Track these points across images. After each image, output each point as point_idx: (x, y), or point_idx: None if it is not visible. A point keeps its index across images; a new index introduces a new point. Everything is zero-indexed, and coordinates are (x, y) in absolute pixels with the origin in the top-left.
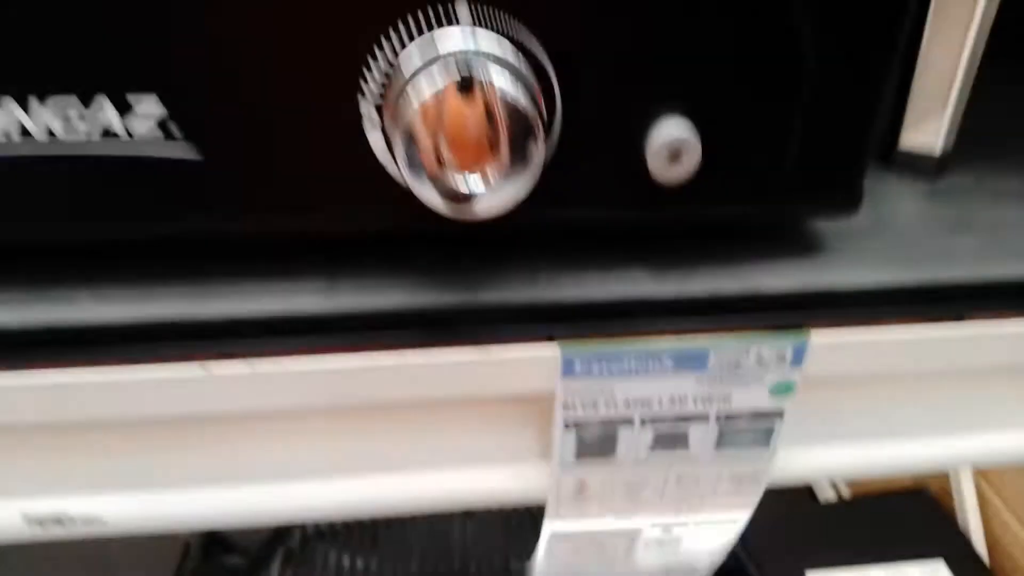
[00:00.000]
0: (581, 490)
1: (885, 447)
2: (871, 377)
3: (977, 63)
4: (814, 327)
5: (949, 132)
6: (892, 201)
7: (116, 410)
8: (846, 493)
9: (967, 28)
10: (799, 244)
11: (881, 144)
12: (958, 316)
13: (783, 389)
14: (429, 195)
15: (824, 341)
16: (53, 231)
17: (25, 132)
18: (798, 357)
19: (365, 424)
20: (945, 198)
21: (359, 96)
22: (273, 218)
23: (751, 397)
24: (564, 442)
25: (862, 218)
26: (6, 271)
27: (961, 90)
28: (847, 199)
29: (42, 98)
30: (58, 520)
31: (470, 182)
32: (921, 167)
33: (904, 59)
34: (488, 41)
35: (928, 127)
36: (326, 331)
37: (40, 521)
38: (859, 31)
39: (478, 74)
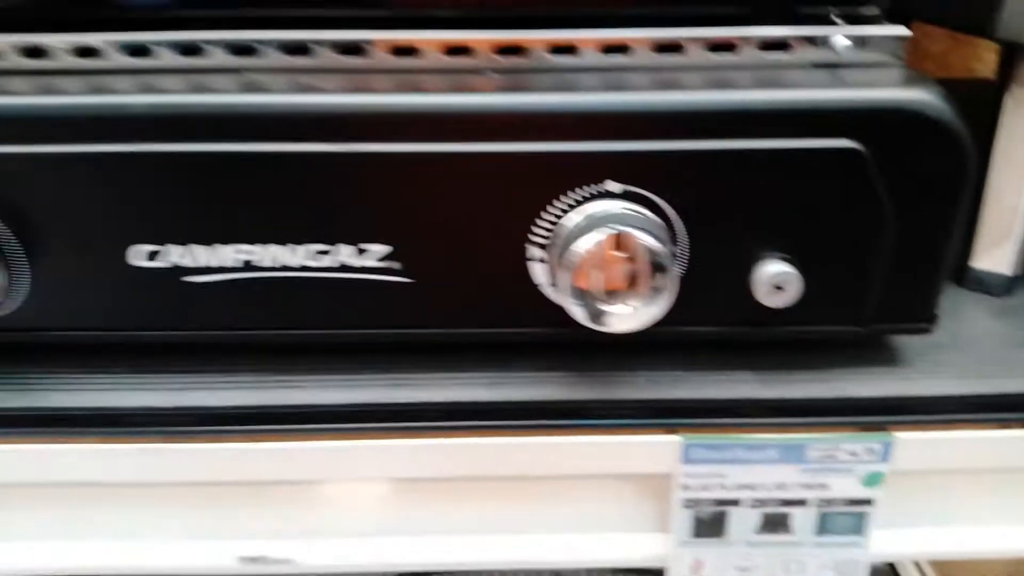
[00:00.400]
0: (696, 569)
1: (966, 531)
2: (953, 470)
3: None
4: (898, 429)
5: (1017, 256)
6: (965, 318)
7: (331, 471)
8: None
9: None
10: (883, 356)
11: (955, 267)
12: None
13: (873, 480)
14: (581, 314)
15: (908, 438)
16: (296, 334)
17: (286, 265)
18: (885, 453)
19: (511, 492)
20: (1013, 315)
21: (528, 239)
22: (457, 325)
23: (845, 486)
24: (681, 520)
25: (938, 333)
26: (250, 363)
27: None
28: (924, 319)
29: (300, 243)
30: (260, 560)
31: (616, 307)
32: (991, 287)
33: (973, 193)
34: (631, 205)
35: (997, 252)
36: (490, 416)
37: (251, 559)
38: (930, 191)
39: (624, 230)
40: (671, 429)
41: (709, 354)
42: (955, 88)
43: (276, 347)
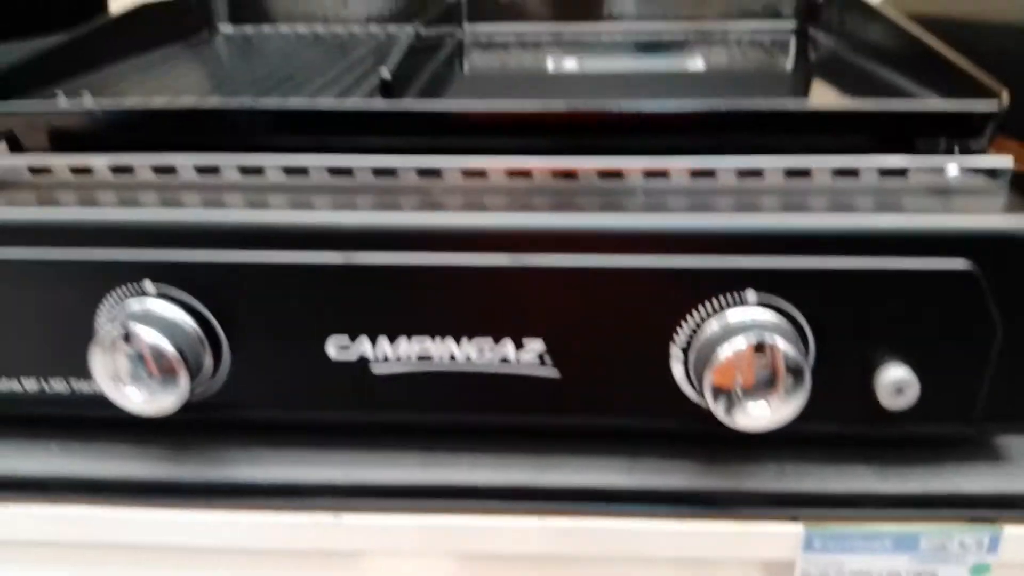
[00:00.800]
0: None
1: None
2: None
3: None
4: (1005, 522)
5: None
6: None
7: (482, 545)
8: None
9: None
10: (991, 453)
11: None
12: None
13: (981, 570)
14: (719, 411)
15: (1015, 532)
16: (459, 418)
17: (453, 356)
18: (993, 545)
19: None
20: None
21: (671, 341)
22: (599, 415)
23: (954, 575)
24: None
25: None
26: (418, 443)
27: None
28: None
29: (470, 338)
30: None
31: (752, 407)
32: None
33: None
34: (768, 314)
35: None
36: (626, 500)
37: None
38: None
39: (764, 338)
40: (794, 519)
41: (830, 449)
42: None
43: (440, 429)
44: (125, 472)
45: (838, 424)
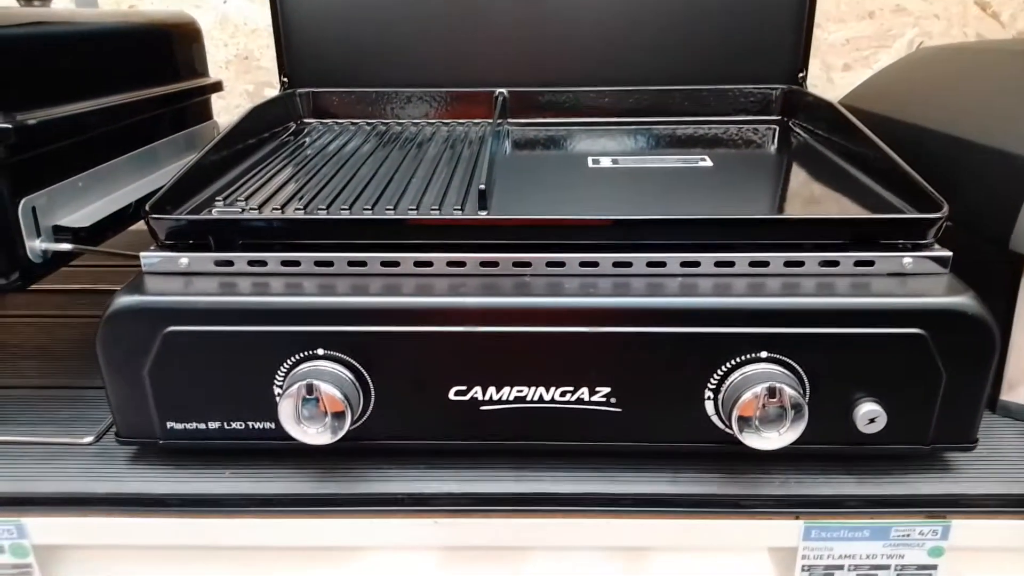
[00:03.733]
0: None
1: None
2: (994, 548)
3: None
4: (953, 517)
5: None
6: (999, 437)
7: (563, 540)
8: None
9: None
10: (941, 465)
11: (989, 399)
12: None
13: (936, 553)
14: (743, 437)
15: (960, 524)
16: (544, 444)
17: (542, 399)
18: (945, 533)
19: (682, 561)
20: None
21: (705, 387)
22: (650, 440)
23: (916, 557)
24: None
25: (980, 450)
26: (514, 462)
27: None
28: (969, 440)
29: (556, 387)
30: None
31: (766, 433)
32: (1016, 414)
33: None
34: (775, 367)
35: (1020, 389)
36: (672, 504)
37: None
38: (970, 358)
39: (775, 385)
40: (796, 516)
41: (822, 463)
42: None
43: (531, 452)
44: (287, 489)
45: (828, 444)
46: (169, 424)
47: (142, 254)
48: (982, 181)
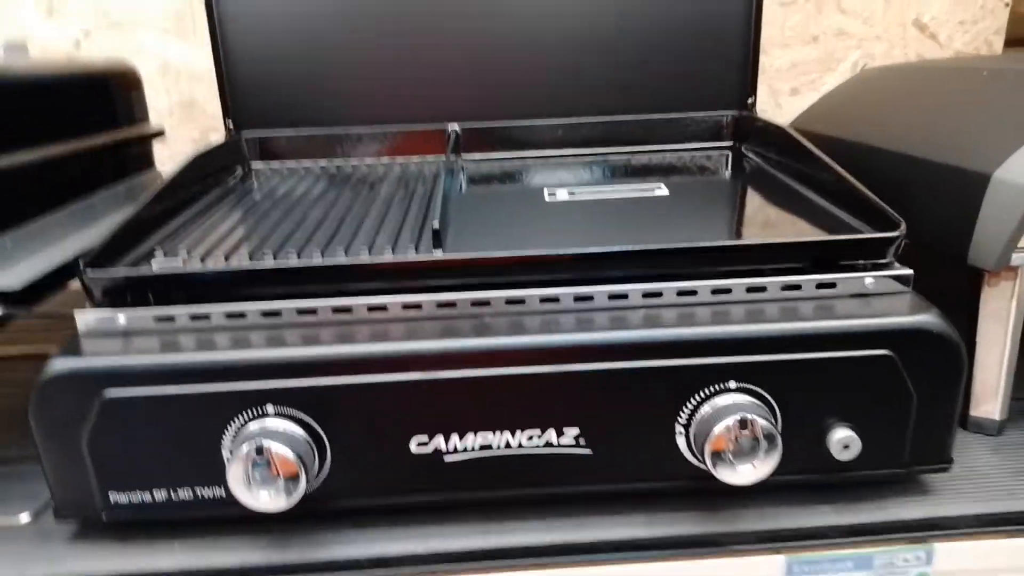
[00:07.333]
0: None
1: None
2: (978, 570)
3: (1015, 361)
4: (936, 541)
5: (1003, 406)
6: (972, 454)
7: None
8: None
9: (1003, 344)
10: (920, 488)
11: (960, 416)
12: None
13: None
14: (716, 472)
15: (944, 547)
16: (511, 493)
17: (508, 444)
18: (929, 558)
19: None
20: (1006, 450)
21: (675, 422)
22: (621, 481)
23: None
24: None
25: (956, 469)
26: (479, 514)
27: (1007, 380)
28: (943, 461)
29: (523, 431)
30: None
31: (740, 467)
32: (987, 429)
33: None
34: (745, 398)
35: (989, 404)
36: (647, 548)
37: None
38: (939, 377)
39: (746, 416)
40: (776, 551)
41: (799, 493)
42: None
43: (499, 502)
44: (241, 560)
45: (803, 474)
46: (112, 496)
47: (76, 312)
48: (936, 198)
